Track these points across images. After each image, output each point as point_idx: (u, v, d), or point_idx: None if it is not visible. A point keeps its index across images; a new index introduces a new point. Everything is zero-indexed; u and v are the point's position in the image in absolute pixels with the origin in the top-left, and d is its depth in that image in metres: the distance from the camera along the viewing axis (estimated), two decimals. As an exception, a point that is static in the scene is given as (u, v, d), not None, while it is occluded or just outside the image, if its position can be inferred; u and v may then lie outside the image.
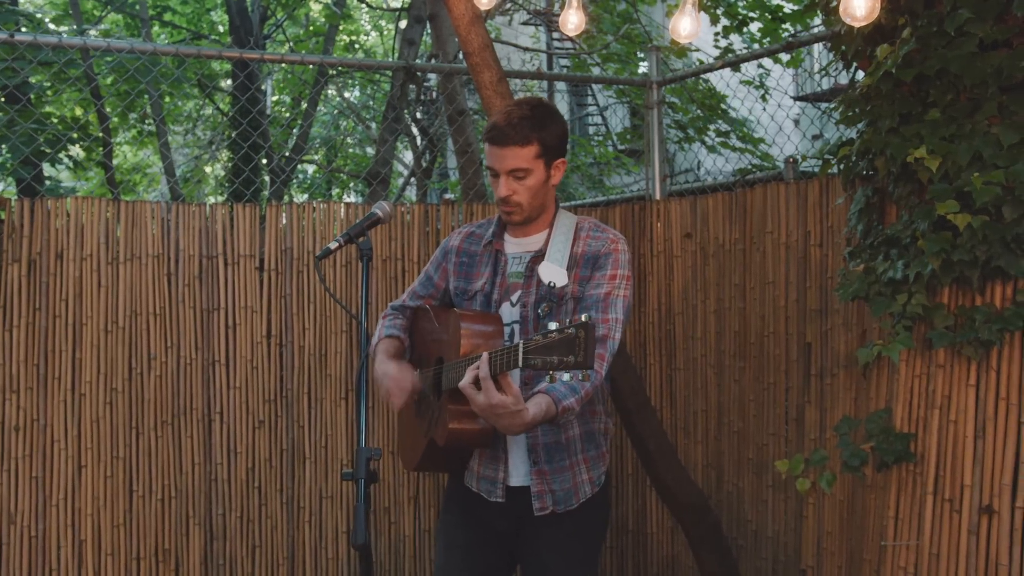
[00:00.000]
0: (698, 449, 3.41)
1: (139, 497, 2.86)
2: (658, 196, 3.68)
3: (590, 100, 12.99)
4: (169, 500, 2.90)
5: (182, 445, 2.92)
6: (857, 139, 2.30)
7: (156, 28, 9.94)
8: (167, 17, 8.96)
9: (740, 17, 4.31)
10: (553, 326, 1.52)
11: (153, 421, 2.87)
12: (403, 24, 7.47)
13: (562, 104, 13.28)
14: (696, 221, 3.46)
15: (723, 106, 5.32)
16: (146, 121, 10.05)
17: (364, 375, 1.69)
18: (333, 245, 1.78)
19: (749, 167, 5.27)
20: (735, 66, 3.57)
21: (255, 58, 3.04)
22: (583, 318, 1.50)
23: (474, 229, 2.14)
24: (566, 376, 1.52)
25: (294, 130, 10.97)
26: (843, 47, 2.46)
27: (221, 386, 2.96)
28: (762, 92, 6.75)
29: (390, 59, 9.87)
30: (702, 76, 5.42)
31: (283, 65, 13.53)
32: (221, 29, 10.21)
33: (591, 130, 12.04)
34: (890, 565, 2.22)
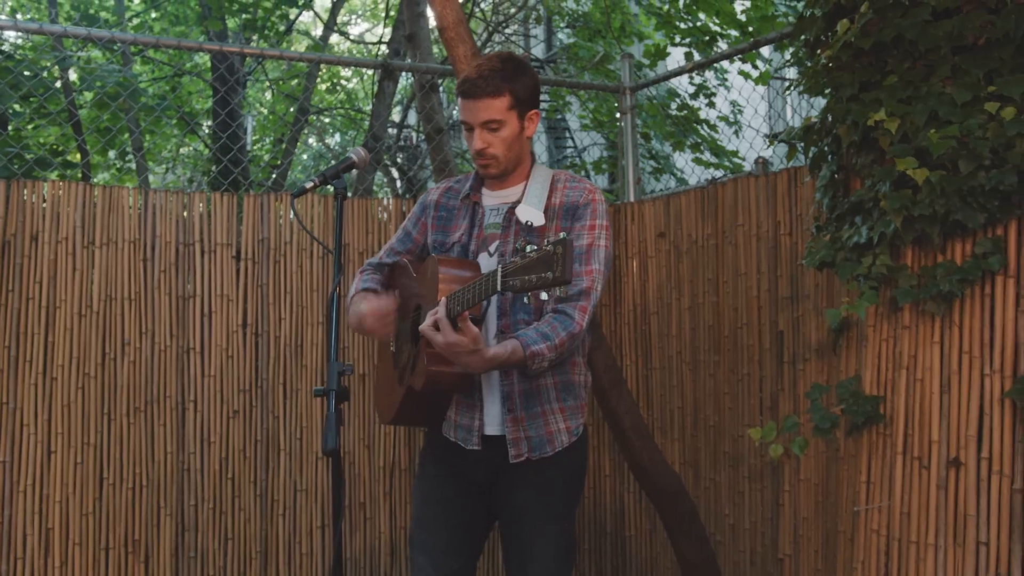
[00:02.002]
0: (675, 447, 3.42)
1: (109, 485, 2.82)
2: (632, 198, 3.75)
3: (568, 143, 13.22)
4: (140, 489, 2.86)
5: (154, 433, 2.89)
6: (820, 113, 2.37)
7: (137, 66, 10.05)
8: (150, 52, 9.08)
9: (710, 35, 4.45)
10: (530, 248, 1.56)
11: (125, 408, 2.85)
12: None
13: (540, 145, 13.50)
14: (669, 220, 3.52)
15: (697, 115, 5.45)
16: (126, 158, 10.09)
17: (335, 299, 1.72)
18: (308, 184, 1.82)
19: (720, 177, 5.39)
20: (702, 70, 3.66)
21: (235, 51, 3.10)
22: (561, 235, 1.53)
23: (452, 184, 2.18)
24: (544, 295, 1.53)
25: (274, 172, 11.05)
26: (805, 34, 2.56)
27: (195, 374, 2.95)
28: (735, 128, 6.92)
29: (371, 103, 10.06)
30: (676, 100, 5.56)
31: (263, 110, 13.70)
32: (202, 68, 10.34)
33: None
34: (863, 530, 2.23)
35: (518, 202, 2.02)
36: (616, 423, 2.76)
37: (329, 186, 1.83)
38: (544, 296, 1.56)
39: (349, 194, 2.01)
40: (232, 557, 2.96)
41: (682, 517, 2.86)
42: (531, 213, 1.92)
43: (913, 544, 2.09)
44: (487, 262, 2.02)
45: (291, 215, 3.13)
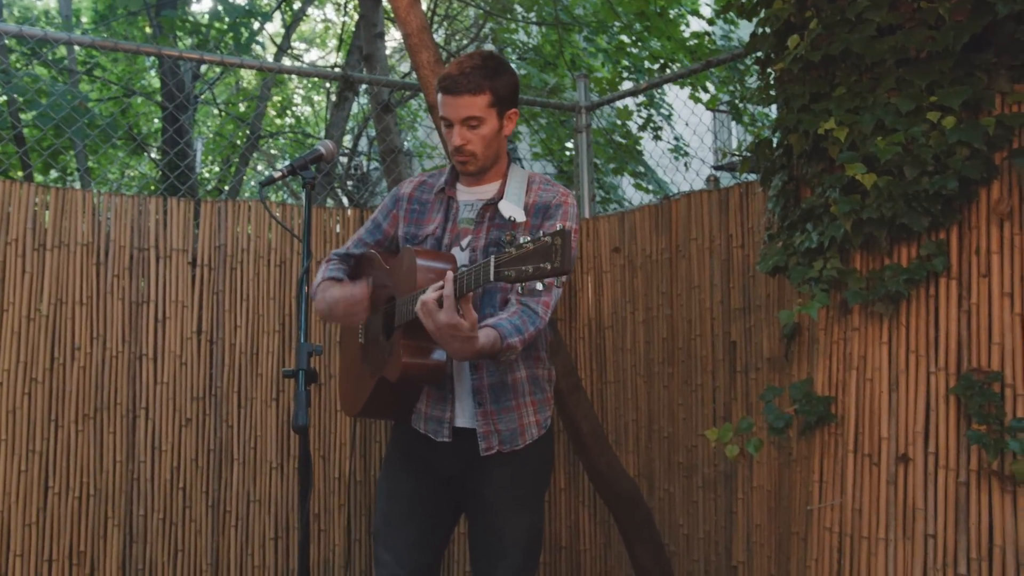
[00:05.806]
0: (629, 460, 3.45)
1: (55, 494, 2.73)
2: (587, 214, 3.81)
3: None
4: (87, 499, 2.78)
5: (103, 441, 2.82)
6: (772, 123, 2.46)
7: (84, 85, 9.88)
8: (97, 72, 8.95)
9: (662, 59, 4.58)
10: (524, 238, 1.56)
11: (74, 414, 2.77)
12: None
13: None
14: (624, 235, 3.58)
15: (640, 147, 5.57)
16: (69, 177, 9.88)
17: (303, 282, 1.72)
18: (276, 174, 1.82)
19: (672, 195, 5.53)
20: (652, 96, 3.75)
21: (194, 58, 3.09)
22: (558, 226, 1.54)
23: (426, 178, 2.19)
24: (539, 285, 1.54)
25: (221, 193, 10.93)
26: (757, 52, 2.66)
27: (148, 381, 2.89)
28: (684, 161, 7.09)
29: (322, 131, 10.05)
30: (625, 128, 5.67)
31: (211, 134, 13.57)
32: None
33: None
34: (816, 529, 2.28)
35: (493, 199, 2.04)
36: (574, 428, 2.78)
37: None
38: (539, 286, 1.56)
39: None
40: (182, 569, 2.89)
41: (638, 524, 2.88)
42: (513, 209, 1.94)
43: (865, 539, 2.14)
44: (458, 256, 2.03)
45: (252, 217, 3.11)
